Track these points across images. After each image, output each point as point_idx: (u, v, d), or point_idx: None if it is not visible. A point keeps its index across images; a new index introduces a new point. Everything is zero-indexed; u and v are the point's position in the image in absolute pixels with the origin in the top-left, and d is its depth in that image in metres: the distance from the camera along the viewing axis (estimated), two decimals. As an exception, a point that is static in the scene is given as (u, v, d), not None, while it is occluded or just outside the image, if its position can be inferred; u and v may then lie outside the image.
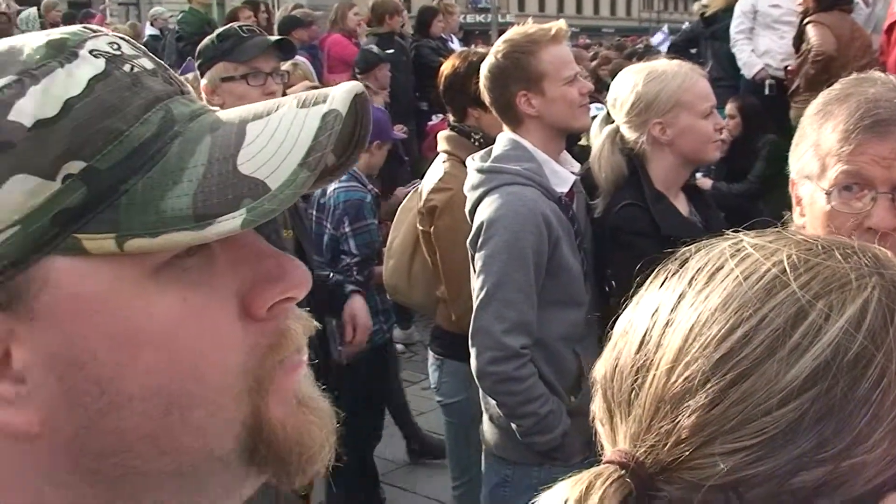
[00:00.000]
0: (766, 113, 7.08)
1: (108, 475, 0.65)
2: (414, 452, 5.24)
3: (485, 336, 2.71)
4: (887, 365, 0.74)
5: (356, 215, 4.12)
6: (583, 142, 4.22)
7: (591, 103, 3.12)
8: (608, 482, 0.77)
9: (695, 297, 0.81)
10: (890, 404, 0.74)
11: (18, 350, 0.62)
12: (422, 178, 3.75)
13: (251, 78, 3.12)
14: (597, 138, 3.03)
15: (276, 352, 0.69)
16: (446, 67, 3.66)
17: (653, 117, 2.89)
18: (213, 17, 10.24)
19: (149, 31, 11.25)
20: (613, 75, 3.00)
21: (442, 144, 3.58)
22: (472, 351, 2.76)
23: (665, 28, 16.26)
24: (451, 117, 3.74)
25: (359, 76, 7.02)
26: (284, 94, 0.88)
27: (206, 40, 3.26)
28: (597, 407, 0.87)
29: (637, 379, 0.81)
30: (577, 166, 3.01)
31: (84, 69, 0.64)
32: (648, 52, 10.20)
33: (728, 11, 8.08)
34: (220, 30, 3.32)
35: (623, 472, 0.77)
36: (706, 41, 8.72)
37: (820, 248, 0.80)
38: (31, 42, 0.65)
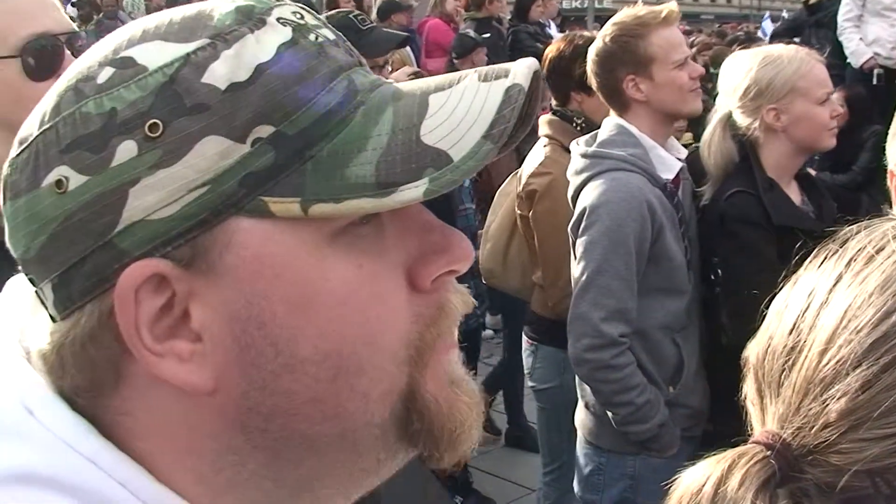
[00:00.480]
0: (873, 103, 6.86)
1: (272, 437, 0.66)
2: (512, 438, 5.26)
3: (583, 323, 2.68)
4: None
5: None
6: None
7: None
8: (752, 462, 0.76)
9: (852, 278, 0.78)
10: None
11: (197, 309, 0.64)
12: (520, 163, 3.72)
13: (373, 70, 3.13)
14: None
15: (436, 324, 0.70)
16: (551, 51, 3.62)
17: (767, 103, 2.82)
18: (312, 1, 10.34)
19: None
20: (714, 62, 2.93)
21: (543, 129, 3.54)
22: (570, 337, 2.73)
23: (767, 16, 15.94)
24: (553, 101, 3.70)
25: (455, 61, 7.01)
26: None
27: None
28: (748, 387, 0.86)
29: (788, 360, 0.79)
30: (683, 152, 2.95)
31: (272, 36, 0.65)
32: (752, 40, 9.97)
33: (834, -1, 7.85)
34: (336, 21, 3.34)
35: (768, 452, 0.76)
36: (810, 29, 8.49)
37: None
38: (219, 7, 0.66)
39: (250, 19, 0.65)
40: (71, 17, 1.95)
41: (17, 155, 0.66)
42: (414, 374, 0.69)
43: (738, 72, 2.90)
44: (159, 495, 0.65)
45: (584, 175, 2.79)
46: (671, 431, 2.77)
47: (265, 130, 0.62)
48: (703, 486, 0.77)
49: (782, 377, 0.79)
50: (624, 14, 2.86)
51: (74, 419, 0.65)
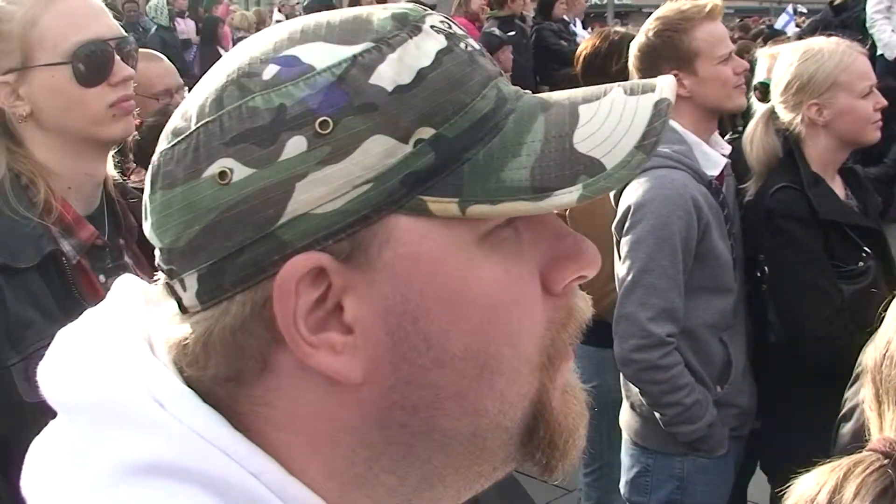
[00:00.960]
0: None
1: (410, 431, 0.68)
2: None
3: (630, 323, 2.65)
4: None
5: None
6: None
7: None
8: (868, 471, 0.74)
9: None
10: None
11: (351, 302, 0.65)
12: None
13: None
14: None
15: (565, 329, 0.72)
16: (586, 48, 3.60)
17: (808, 98, 2.80)
18: (332, 2, 10.35)
19: (276, 17, 11.45)
20: (738, 55, 2.90)
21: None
22: (616, 338, 2.70)
23: (790, 9, 15.80)
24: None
25: (482, 59, 6.98)
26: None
27: None
28: (865, 393, 0.83)
29: None
30: (727, 148, 2.92)
31: (430, 43, 0.67)
32: (775, 34, 9.90)
33: (859, -1, 7.78)
34: None
35: (886, 461, 0.75)
36: (835, 30, 8.42)
37: None
38: (376, 13, 0.69)
39: (406, 26, 0.67)
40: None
41: (173, 146, 0.67)
42: (545, 380, 0.70)
43: (780, 66, 2.88)
44: (291, 488, 0.66)
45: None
46: (720, 431, 2.74)
47: (426, 132, 0.65)
48: (817, 495, 0.75)
49: None
50: (667, 8, 2.82)
51: (206, 410, 0.66)
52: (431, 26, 0.68)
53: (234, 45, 12.07)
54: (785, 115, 2.85)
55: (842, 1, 8.25)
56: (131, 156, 2.69)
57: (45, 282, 1.76)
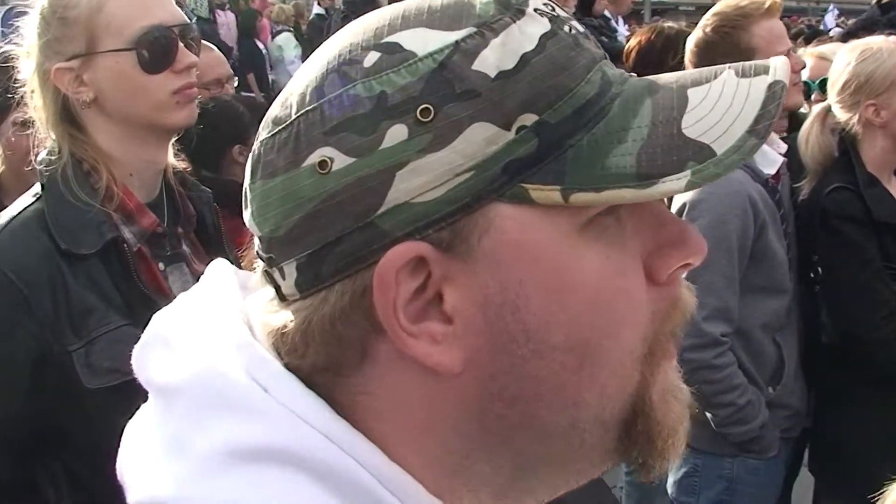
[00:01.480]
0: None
1: (508, 422, 0.67)
2: None
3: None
4: None
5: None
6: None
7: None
8: None
9: None
10: None
11: (451, 292, 0.64)
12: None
13: None
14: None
15: (669, 320, 0.70)
16: (640, 42, 3.56)
17: (866, 98, 2.78)
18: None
19: (315, 10, 11.45)
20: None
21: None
22: (669, 337, 2.67)
23: (833, 8, 15.64)
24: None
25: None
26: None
27: None
28: None
29: None
30: (783, 147, 2.88)
31: (533, 27, 0.65)
32: (819, 34, 9.81)
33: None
34: None
35: None
36: (882, 29, 8.30)
37: None
38: None
39: (509, 10, 0.65)
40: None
41: (273, 135, 0.67)
42: (646, 374, 0.68)
43: (837, 65, 2.85)
44: (394, 475, 0.65)
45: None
46: (771, 432, 2.72)
47: (529, 119, 0.63)
48: None
49: None
50: (724, 4, 2.79)
51: (310, 396, 0.66)
52: (535, 9, 0.66)
53: (272, 37, 12.16)
54: (841, 115, 2.82)
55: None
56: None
57: (106, 268, 1.77)
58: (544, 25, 0.65)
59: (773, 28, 2.76)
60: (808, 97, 3.90)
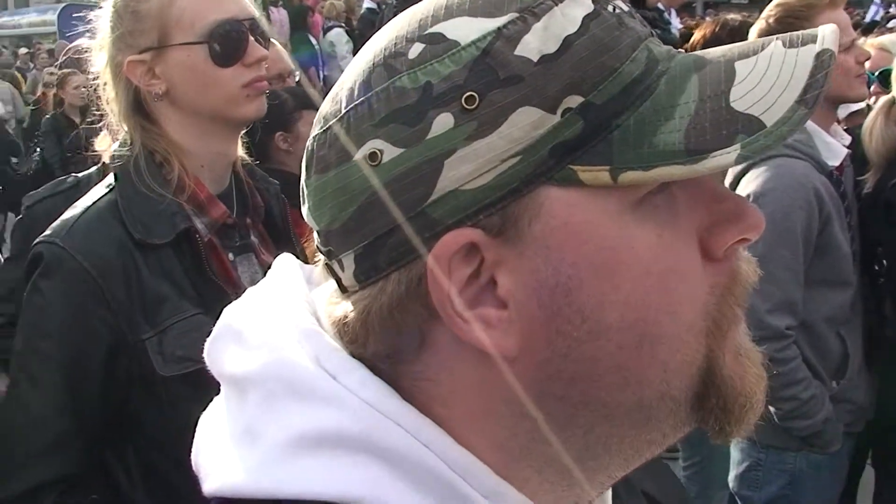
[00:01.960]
0: None
1: (570, 403, 0.67)
2: None
3: (747, 314, 2.59)
4: None
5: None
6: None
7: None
8: None
9: None
10: None
11: (504, 276, 0.65)
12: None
13: None
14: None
15: (731, 293, 0.69)
16: (703, 34, 3.52)
17: (932, 89, 2.70)
18: None
19: (367, 4, 11.47)
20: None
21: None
22: (732, 329, 2.65)
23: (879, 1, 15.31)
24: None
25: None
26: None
27: None
28: None
29: None
30: (847, 139, 2.84)
31: (575, 8, 0.65)
32: (876, 27, 9.63)
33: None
34: None
35: None
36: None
37: None
38: None
39: None
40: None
41: (325, 130, 0.68)
42: (713, 346, 0.68)
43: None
44: (462, 459, 0.66)
45: (745, 162, 2.70)
46: (835, 427, 2.69)
47: (574, 101, 0.63)
48: None
49: None
50: (789, -5, 2.75)
51: (378, 383, 0.67)
52: None
53: (324, 34, 12.21)
54: (907, 107, 2.77)
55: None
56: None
57: (178, 258, 1.80)
58: (587, 6, 0.65)
59: (837, 19, 2.70)
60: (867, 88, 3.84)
